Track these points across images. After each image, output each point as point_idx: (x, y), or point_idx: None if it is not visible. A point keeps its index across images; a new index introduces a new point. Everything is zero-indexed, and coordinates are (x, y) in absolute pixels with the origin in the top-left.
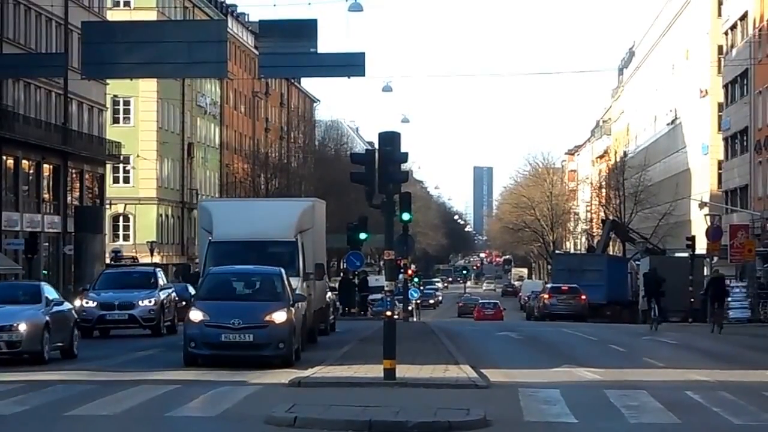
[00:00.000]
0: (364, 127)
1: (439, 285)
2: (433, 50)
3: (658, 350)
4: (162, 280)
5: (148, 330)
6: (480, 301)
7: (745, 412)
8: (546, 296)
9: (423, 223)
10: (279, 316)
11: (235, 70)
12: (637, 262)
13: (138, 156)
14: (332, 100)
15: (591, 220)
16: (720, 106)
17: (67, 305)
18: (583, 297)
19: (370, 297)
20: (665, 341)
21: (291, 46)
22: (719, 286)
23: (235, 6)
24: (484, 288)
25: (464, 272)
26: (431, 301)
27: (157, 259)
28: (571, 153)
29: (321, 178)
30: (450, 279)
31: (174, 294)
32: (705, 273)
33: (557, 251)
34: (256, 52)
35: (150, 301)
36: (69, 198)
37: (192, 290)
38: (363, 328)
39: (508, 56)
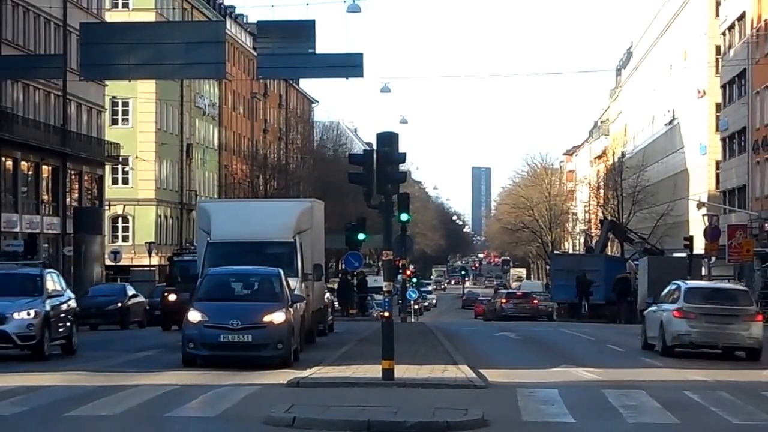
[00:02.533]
0: (363, 128)
1: (431, 287)
2: (431, 51)
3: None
4: (53, 284)
5: (27, 351)
6: (479, 297)
7: (744, 412)
8: (503, 300)
9: (421, 223)
10: (278, 317)
11: (234, 71)
12: (636, 263)
13: (137, 157)
14: (330, 101)
15: (589, 221)
16: (718, 107)
17: None
18: (536, 301)
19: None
20: None
21: (289, 47)
22: (625, 285)
23: (234, 7)
24: (484, 286)
25: (462, 273)
26: (416, 307)
27: (155, 260)
28: (569, 153)
29: (319, 178)
30: (445, 280)
31: (71, 303)
32: (703, 273)
33: (555, 252)
34: (255, 53)
35: (29, 314)
36: (68, 199)
37: (132, 290)
38: (361, 329)
39: (506, 57)
